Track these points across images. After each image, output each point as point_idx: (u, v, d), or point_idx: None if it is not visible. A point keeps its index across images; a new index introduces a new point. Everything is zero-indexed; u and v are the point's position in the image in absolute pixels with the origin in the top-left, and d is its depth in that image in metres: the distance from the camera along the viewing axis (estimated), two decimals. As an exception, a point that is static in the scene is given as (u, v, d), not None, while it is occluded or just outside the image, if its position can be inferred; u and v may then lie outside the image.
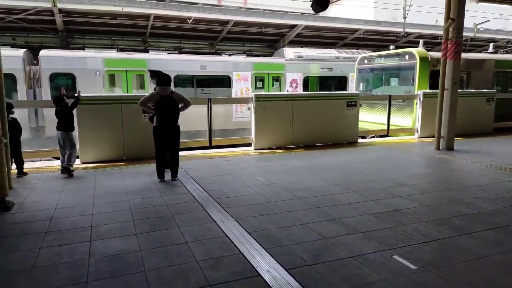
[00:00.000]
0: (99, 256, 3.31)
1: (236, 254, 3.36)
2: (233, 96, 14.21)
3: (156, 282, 2.88)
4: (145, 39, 19.05)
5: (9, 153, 5.57)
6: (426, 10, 22.83)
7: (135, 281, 2.90)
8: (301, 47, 20.01)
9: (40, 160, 7.95)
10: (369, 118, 11.88)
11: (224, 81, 14.40)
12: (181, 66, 13.50)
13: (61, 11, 15.33)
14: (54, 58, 12.21)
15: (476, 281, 2.87)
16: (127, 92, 12.59)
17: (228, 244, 3.56)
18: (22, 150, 6.31)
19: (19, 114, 6.66)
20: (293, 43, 20.82)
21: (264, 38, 20.84)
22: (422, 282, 2.85)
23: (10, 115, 5.92)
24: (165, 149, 5.91)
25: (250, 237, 3.71)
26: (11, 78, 11.28)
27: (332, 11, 18.92)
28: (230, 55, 15.45)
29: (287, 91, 14.77)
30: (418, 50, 11.77)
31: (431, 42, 23.41)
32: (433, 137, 8.85)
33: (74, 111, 6.52)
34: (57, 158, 7.62)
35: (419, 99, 10.40)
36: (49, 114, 11.27)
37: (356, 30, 20.75)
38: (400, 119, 11.47)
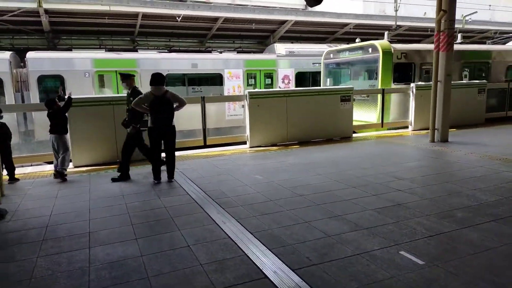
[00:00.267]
0: (99, 263, 3.21)
1: (240, 255, 3.29)
2: (225, 94, 14.10)
3: (160, 289, 2.80)
4: (133, 38, 18.81)
5: None
6: (414, 2, 22.89)
7: (139, 288, 2.81)
8: (292, 42, 19.94)
9: (31, 165, 7.78)
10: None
11: (216, 79, 14.27)
12: (172, 65, 13.35)
13: (47, 11, 15.03)
14: (41, 60, 11.97)
15: (485, 275, 2.84)
16: (118, 93, 12.41)
17: (231, 245, 3.49)
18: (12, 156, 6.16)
19: (7, 118, 6.48)
20: (284, 39, 20.74)
21: (255, 35, 20.74)
22: (432, 278, 2.81)
23: (-1, 120, 5.77)
24: (161, 149, 5.83)
25: (253, 237, 3.65)
26: (-3, 82, 11.04)
27: (321, 5, 18.84)
28: (221, 52, 15.32)
29: (280, 87, 14.71)
30: (381, 43, 11.43)
31: (421, 35, 23.56)
32: (427, 129, 8.88)
33: (67, 114, 6.37)
34: (49, 163, 7.47)
35: (412, 91, 10.42)
36: (39, 118, 11.07)
37: (346, 25, 20.75)
38: (365, 115, 11.41)
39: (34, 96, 11.63)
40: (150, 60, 13.36)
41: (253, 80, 14.76)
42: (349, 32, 21.42)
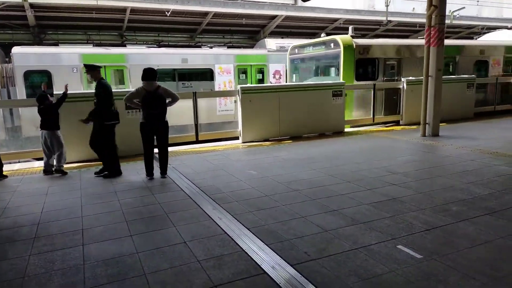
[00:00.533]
0: (94, 260, 3.15)
1: (238, 251, 3.25)
2: (216, 89, 13.99)
3: (158, 286, 2.75)
4: (122, 33, 18.55)
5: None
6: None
7: (136, 286, 2.76)
8: (282, 38, 19.88)
9: (19, 162, 7.62)
10: None
11: (207, 74, 14.15)
12: (162, 60, 13.18)
13: (32, 6, 14.70)
14: (28, 55, 11.70)
15: (483, 268, 2.86)
16: (107, 88, 12.22)
17: (228, 241, 3.46)
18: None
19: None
20: (274, 34, 20.68)
21: (245, 30, 20.64)
22: (431, 271, 2.82)
23: (-14, 116, 5.62)
24: (154, 145, 5.75)
25: (250, 233, 3.62)
26: (-18, 77, 10.77)
27: (312, 0, 18.81)
28: (211, 47, 15.20)
29: (271, 83, 14.66)
30: (342, 37, 10.89)
31: (410, 30, 23.72)
32: (416, 124, 8.94)
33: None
34: (38, 159, 7.32)
35: (403, 86, 10.48)
36: (25, 114, 10.84)
37: (336, 20, 20.78)
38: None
39: (20, 91, 11.36)
40: (139, 55, 13.17)
41: (244, 75, 14.67)
42: (339, 28, 21.45)
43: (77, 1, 14.93)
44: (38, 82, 11.75)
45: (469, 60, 12.98)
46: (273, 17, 19.37)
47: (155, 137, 5.76)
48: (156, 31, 18.97)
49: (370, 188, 4.88)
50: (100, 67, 5.99)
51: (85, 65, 6.00)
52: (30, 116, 10.92)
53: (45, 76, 11.76)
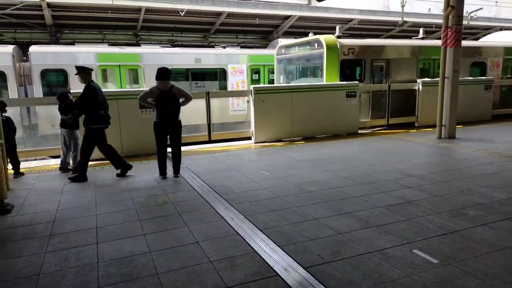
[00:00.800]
0: (108, 259, 3.17)
1: (250, 252, 3.24)
2: (229, 89, 14.02)
3: (171, 286, 2.75)
4: (136, 33, 18.70)
5: (5, 154, 5.37)
6: (418, -2, 22.73)
7: (149, 285, 2.76)
8: (295, 37, 19.78)
9: (35, 160, 7.74)
10: None
11: (220, 74, 14.18)
12: (176, 60, 13.25)
13: (49, 5, 14.92)
14: (44, 54, 11.88)
15: (502, 274, 2.78)
16: (121, 87, 12.35)
17: (241, 242, 3.44)
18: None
19: (11, 112, 6.44)
20: (287, 34, 20.60)
21: (258, 30, 20.61)
22: (447, 277, 2.76)
23: (3, 114, 5.72)
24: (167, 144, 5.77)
25: (262, 234, 3.60)
26: (0, 76, 10.97)
27: (326, 1, 18.68)
28: (224, 47, 15.22)
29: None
30: (326, 37, 10.40)
31: (426, 31, 23.37)
32: (432, 126, 8.79)
33: None
34: (54, 157, 7.43)
35: (418, 88, 10.34)
36: (42, 112, 11.03)
37: (350, 20, 20.59)
38: None
39: (37, 90, 11.55)
40: (153, 55, 13.26)
41: (257, 75, 14.65)
42: (353, 28, 21.27)
43: (93, 1, 15.10)
44: (55, 80, 11.94)
45: (466, 62, 11.98)
46: (287, 17, 19.30)
47: (168, 137, 5.78)
48: (170, 31, 19.09)
49: (384, 190, 4.82)
50: (91, 69, 5.86)
51: (76, 67, 5.79)
52: (46, 115, 11.13)
53: (61, 75, 11.94)
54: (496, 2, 23.11)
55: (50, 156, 7.81)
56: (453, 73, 8.28)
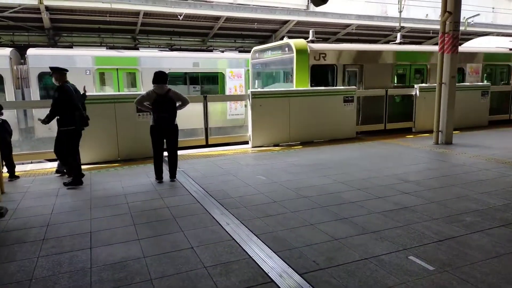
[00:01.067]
0: (101, 264, 3.13)
1: (245, 258, 3.21)
2: (227, 93, 14.02)
3: (164, 292, 2.72)
4: (135, 36, 18.72)
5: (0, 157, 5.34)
6: (416, 4, 22.83)
7: (142, 291, 2.74)
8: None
9: (31, 163, 7.70)
10: None
11: (217, 78, 14.18)
12: (174, 64, 13.25)
13: (47, 8, 14.94)
14: (42, 57, 11.85)
15: (498, 282, 2.77)
16: (119, 91, 12.33)
17: (236, 248, 3.42)
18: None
19: (8, 115, 6.41)
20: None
21: (256, 34, 20.66)
22: (443, 284, 2.74)
23: (-1, 117, 5.69)
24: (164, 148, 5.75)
25: (258, 239, 3.57)
26: (-2, 78, 10.94)
27: (324, 5, 18.75)
28: (222, 51, 15.22)
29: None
30: (296, 42, 9.99)
31: (423, 36, 23.50)
32: (428, 132, 8.81)
33: None
34: (50, 160, 7.39)
35: (415, 93, 10.36)
36: (39, 115, 10.97)
37: (348, 25, 20.68)
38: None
39: (34, 93, 11.52)
40: (152, 59, 13.26)
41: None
42: (351, 33, 21.37)
43: (91, 4, 15.12)
44: (52, 83, 11.87)
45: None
46: (285, 22, 19.37)
47: (165, 140, 5.76)
48: (169, 34, 19.12)
49: (381, 196, 4.80)
50: (66, 70, 5.74)
51: (51, 68, 5.65)
52: (43, 118, 11.07)
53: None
54: (493, 8, 23.26)
55: (46, 159, 7.76)
56: (450, 78, 8.30)
